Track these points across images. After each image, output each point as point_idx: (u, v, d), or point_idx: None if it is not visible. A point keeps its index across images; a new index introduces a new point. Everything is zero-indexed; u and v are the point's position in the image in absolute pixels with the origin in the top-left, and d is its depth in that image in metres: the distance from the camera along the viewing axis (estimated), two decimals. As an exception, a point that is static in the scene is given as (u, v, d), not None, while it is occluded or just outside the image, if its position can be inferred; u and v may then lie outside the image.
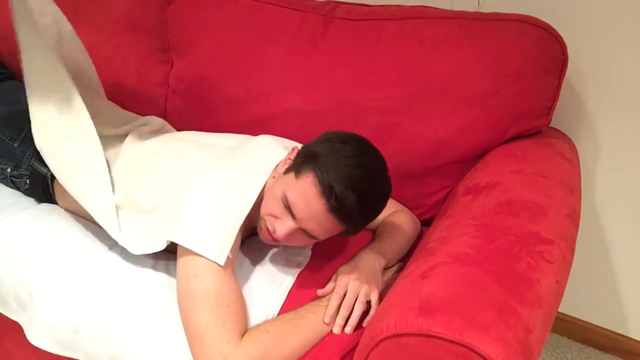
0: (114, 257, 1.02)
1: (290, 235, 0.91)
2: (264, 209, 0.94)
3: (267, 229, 0.93)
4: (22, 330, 1.00)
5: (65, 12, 1.58)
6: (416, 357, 0.64)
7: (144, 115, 1.43)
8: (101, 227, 1.02)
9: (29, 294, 0.99)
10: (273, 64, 1.29)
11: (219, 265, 0.86)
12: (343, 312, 0.89)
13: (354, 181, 0.86)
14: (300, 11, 1.29)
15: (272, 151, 1.05)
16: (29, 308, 0.99)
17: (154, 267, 1.00)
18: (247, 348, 0.81)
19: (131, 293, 0.95)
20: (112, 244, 1.05)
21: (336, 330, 0.88)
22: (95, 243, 1.05)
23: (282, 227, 0.90)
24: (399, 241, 1.08)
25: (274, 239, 0.93)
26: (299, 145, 1.03)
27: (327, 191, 0.85)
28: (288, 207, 0.88)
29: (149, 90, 1.50)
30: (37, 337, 0.97)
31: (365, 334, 0.73)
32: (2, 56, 1.66)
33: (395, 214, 1.15)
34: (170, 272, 0.98)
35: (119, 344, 0.91)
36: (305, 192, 0.87)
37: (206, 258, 0.86)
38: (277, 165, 1.00)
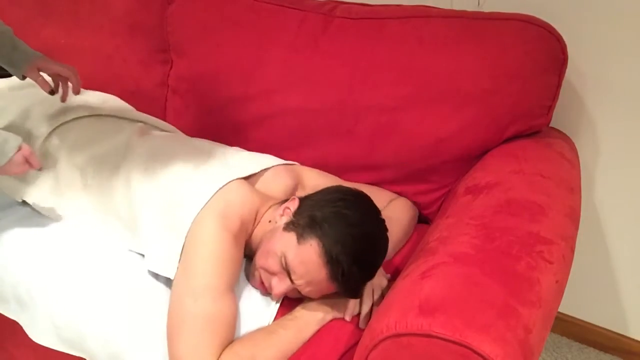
0: (114, 256, 1.02)
1: (286, 292, 0.92)
2: (260, 261, 0.94)
3: (261, 282, 0.94)
4: (22, 330, 1.00)
5: (66, 13, 1.59)
6: (416, 357, 0.64)
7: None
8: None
9: (28, 294, 0.99)
10: (273, 63, 1.29)
11: (218, 287, 0.87)
12: (366, 310, 0.93)
13: (360, 254, 0.87)
14: (300, 10, 1.28)
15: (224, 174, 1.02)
16: (29, 307, 0.99)
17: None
18: None
19: (131, 293, 0.95)
20: (111, 245, 1.05)
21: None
22: (94, 242, 1.05)
23: (279, 286, 0.90)
24: (397, 233, 1.10)
25: (267, 292, 0.94)
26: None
27: (334, 265, 0.85)
28: (287, 270, 0.89)
29: (149, 90, 1.50)
30: (42, 336, 0.98)
31: (365, 334, 0.73)
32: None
33: (390, 205, 1.16)
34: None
35: (119, 345, 0.91)
36: (308, 261, 0.87)
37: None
38: (271, 209, 1.01)
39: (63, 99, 1.21)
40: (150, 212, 0.99)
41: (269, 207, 1.02)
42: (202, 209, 0.93)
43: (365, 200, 0.95)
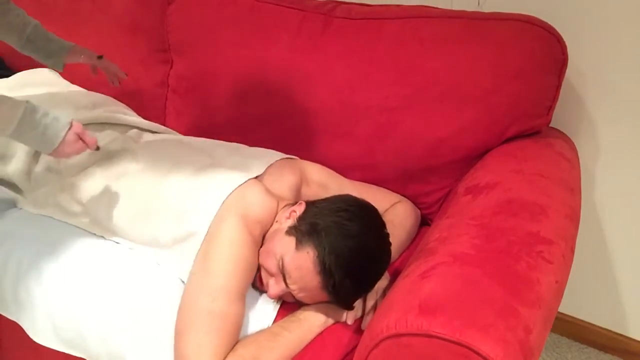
0: (114, 256, 1.02)
1: (281, 294, 0.92)
2: (261, 258, 0.94)
3: (260, 278, 0.94)
4: (22, 330, 1.00)
5: (66, 13, 1.59)
6: (416, 357, 0.64)
7: (143, 116, 1.43)
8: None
9: (27, 294, 0.99)
10: (273, 63, 1.29)
11: (234, 289, 0.87)
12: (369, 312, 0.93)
13: (353, 267, 0.86)
14: (300, 10, 1.29)
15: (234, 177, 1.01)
16: (29, 308, 0.99)
17: (155, 268, 1.00)
18: None
19: (131, 293, 0.95)
20: (111, 244, 1.05)
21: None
22: (94, 241, 1.05)
23: (274, 288, 0.91)
24: (400, 236, 1.10)
25: (265, 290, 0.95)
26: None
27: (326, 275, 0.85)
28: (283, 273, 0.89)
29: (149, 90, 1.50)
30: (42, 336, 0.98)
31: (365, 334, 0.73)
32: (2, 56, 1.66)
33: (394, 208, 1.16)
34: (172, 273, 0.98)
35: (119, 345, 0.91)
36: (303, 267, 0.87)
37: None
38: (282, 210, 1.00)
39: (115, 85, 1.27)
40: (160, 225, 0.99)
41: (281, 208, 1.01)
42: (219, 208, 0.92)
43: (369, 213, 0.94)
